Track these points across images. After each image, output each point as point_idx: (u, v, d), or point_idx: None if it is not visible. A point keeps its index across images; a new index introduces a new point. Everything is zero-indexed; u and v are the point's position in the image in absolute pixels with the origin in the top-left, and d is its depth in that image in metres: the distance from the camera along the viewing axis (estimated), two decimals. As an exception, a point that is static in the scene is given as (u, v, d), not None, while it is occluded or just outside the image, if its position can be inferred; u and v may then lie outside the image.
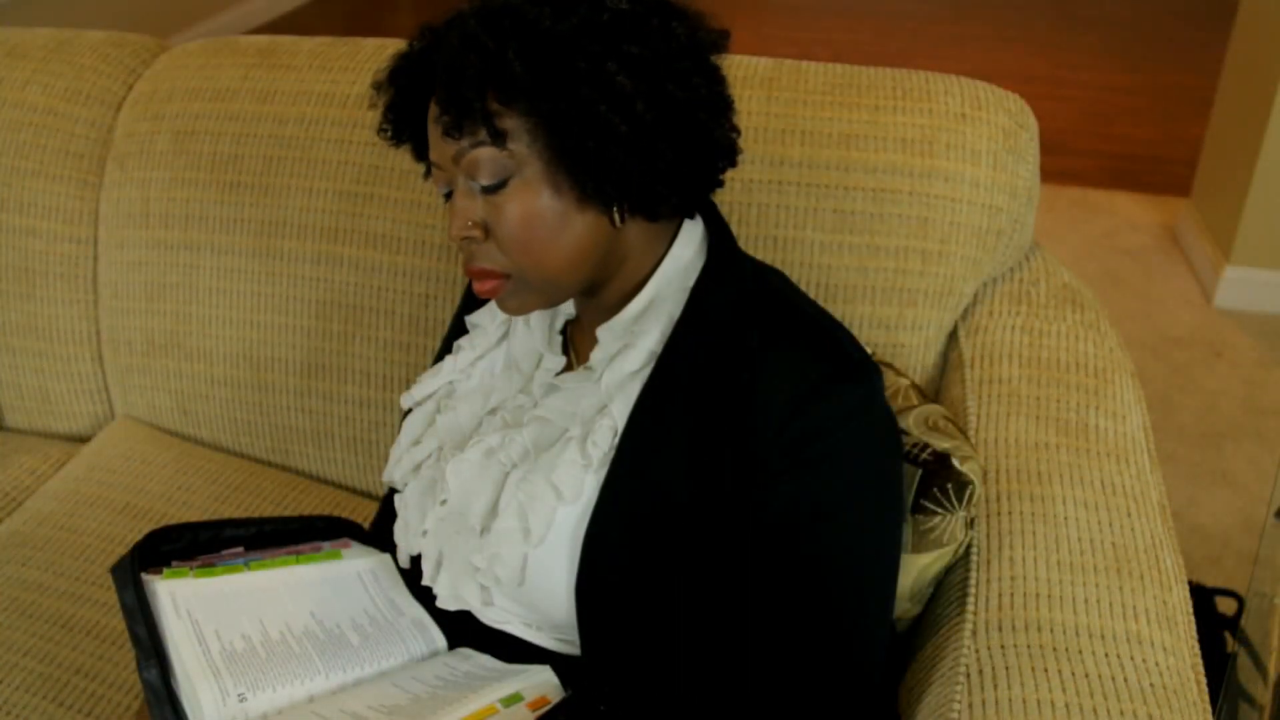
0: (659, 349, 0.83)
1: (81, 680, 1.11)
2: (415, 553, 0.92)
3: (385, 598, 0.95)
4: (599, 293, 0.87)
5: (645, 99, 0.76)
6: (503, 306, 0.84)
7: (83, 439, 1.54)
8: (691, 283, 0.85)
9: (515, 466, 0.85)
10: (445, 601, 0.88)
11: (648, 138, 0.76)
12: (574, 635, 0.85)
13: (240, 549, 0.96)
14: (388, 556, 0.98)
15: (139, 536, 1.27)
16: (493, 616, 0.90)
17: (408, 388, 1.02)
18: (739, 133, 0.86)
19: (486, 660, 0.90)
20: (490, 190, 0.79)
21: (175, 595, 0.87)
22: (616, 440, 0.82)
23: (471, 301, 1.01)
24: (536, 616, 0.88)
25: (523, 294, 0.83)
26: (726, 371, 0.80)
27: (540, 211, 0.78)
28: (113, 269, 1.44)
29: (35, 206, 1.45)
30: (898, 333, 1.17)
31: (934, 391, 1.19)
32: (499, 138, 0.76)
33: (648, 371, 0.83)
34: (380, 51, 1.38)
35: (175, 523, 0.96)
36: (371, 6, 5.27)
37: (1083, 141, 3.66)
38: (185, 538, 0.94)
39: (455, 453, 0.89)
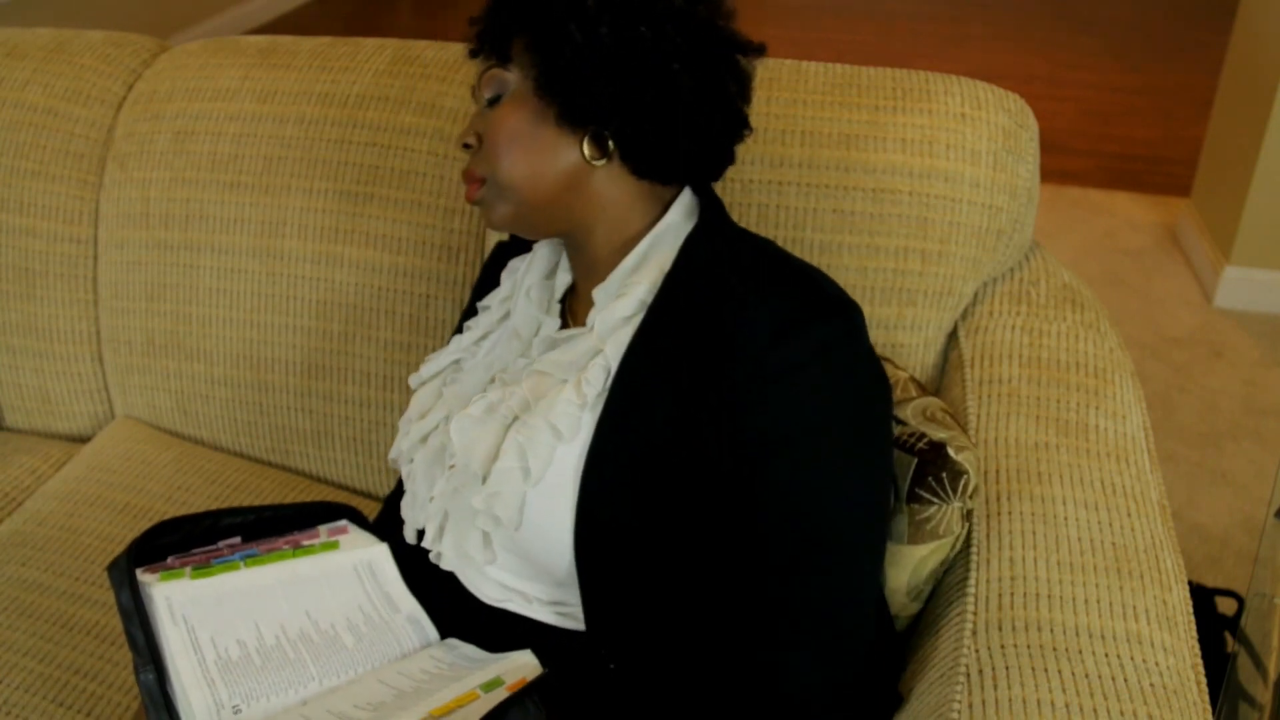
0: (650, 298, 0.87)
1: (81, 680, 1.11)
2: (421, 526, 0.93)
3: (381, 592, 0.94)
4: (587, 247, 0.91)
5: (610, 26, 0.83)
6: (486, 219, 0.91)
7: (83, 439, 1.54)
8: (682, 241, 0.89)
9: (517, 418, 0.87)
10: (449, 561, 0.89)
11: (606, 57, 0.83)
12: (572, 597, 0.86)
13: (238, 539, 0.96)
14: (385, 546, 0.98)
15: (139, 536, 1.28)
16: (492, 594, 0.91)
17: (408, 388, 1.02)
18: (748, 128, 0.91)
19: (471, 650, 0.90)
20: (491, 104, 0.89)
21: (171, 600, 0.86)
22: (610, 380, 0.85)
23: (484, 287, 1.06)
24: (536, 572, 0.88)
25: (496, 202, 0.89)
26: (712, 312, 0.83)
27: (518, 122, 0.87)
28: (113, 269, 1.44)
29: (35, 206, 1.45)
30: (897, 333, 1.17)
31: (934, 390, 1.19)
32: (505, 60, 0.88)
33: (639, 319, 0.86)
34: (380, 51, 1.38)
35: (171, 517, 0.96)
36: (371, 6, 5.27)
37: (1083, 141, 3.66)
38: (184, 529, 0.95)
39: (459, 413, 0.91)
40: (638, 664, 0.86)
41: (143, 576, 0.88)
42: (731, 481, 0.81)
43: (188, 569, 0.90)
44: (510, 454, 0.85)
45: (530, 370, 0.89)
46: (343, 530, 0.99)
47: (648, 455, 0.82)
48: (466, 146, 0.91)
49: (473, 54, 0.92)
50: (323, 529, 0.99)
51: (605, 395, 0.85)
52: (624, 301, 0.87)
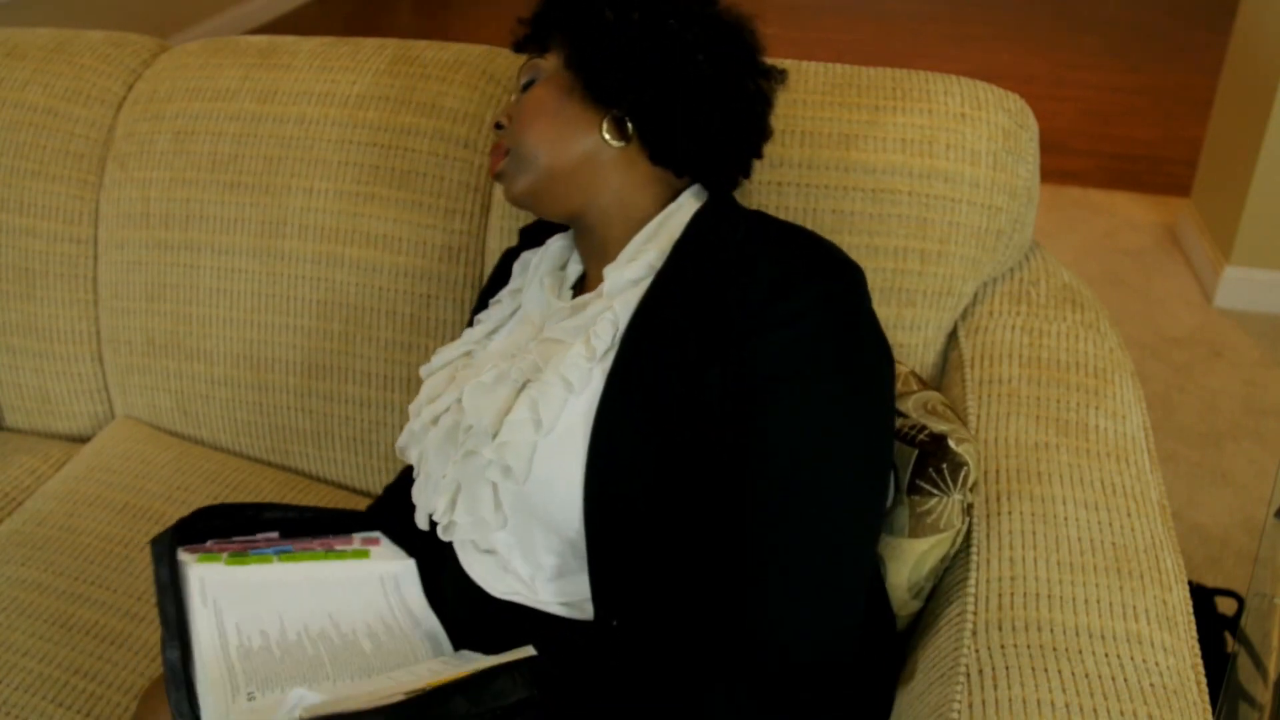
0: (659, 264, 0.89)
1: (80, 680, 1.11)
2: (434, 509, 0.93)
3: (403, 606, 0.96)
4: (598, 229, 0.94)
5: (642, 13, 0.90)
6: (506, 192, 0.96)
7: (83, 439, 1.54)
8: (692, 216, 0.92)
9: (528, 381, 0.89)
10: (464, 530, 0.90)
11: (634, 39, 0.90)
12: (577, 567, 0.87)
13: (275, 534, 0.98)
14: (412, 562, 1.00)
15: (139, 536, 1.28)
16: (499, 588, 0.91)
17: (408, 388, 1.02)
18: (761, 133, 0.97)
19: (478, 657, 0.91)
20: (525, 89, 0.97)
21: (205, 581, 0.89)
22: (619, 336, 0.87)
23: (495, 286, 1.08)
24: (544, 533, 0.88)
25: (517, 173, 0.94)
26: (718, 273, 0.86)
27: (547, 97, 0.94)
28: (113, 269, 1.44)
29: (35, 206, 1.45)
30: (896, 333, 1.17)
31: (934, 389, 1.19)
32: (544, 50, 0.97)
33: (648, 281, 0.89)
34: (380, 51, 1.38)
35: (216, 504, 1.00)
36: (371, 6, 5.27)
37: (1083, 141, 3.66)
38: (227, 516, 0.99)
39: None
40: (640, 621, 0.85)
41: (181, 555, 0.91)
42: (731, 427, 0.82)
43: (225, 554, 0.93)
44: (522, 407, 0.86)
45: (541, 339, 0.92)
46: (375, 541, 1.01)
47: (657, 408, 0.84)
48: (499, 127, 0.97)
49: (517, 48, 1.00)
50: (357, 536, 1.01)
51: (615, 349, 0.86)
52: (634, 265, 0.89)
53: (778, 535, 0.80)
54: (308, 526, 1.02)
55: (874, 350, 0.86)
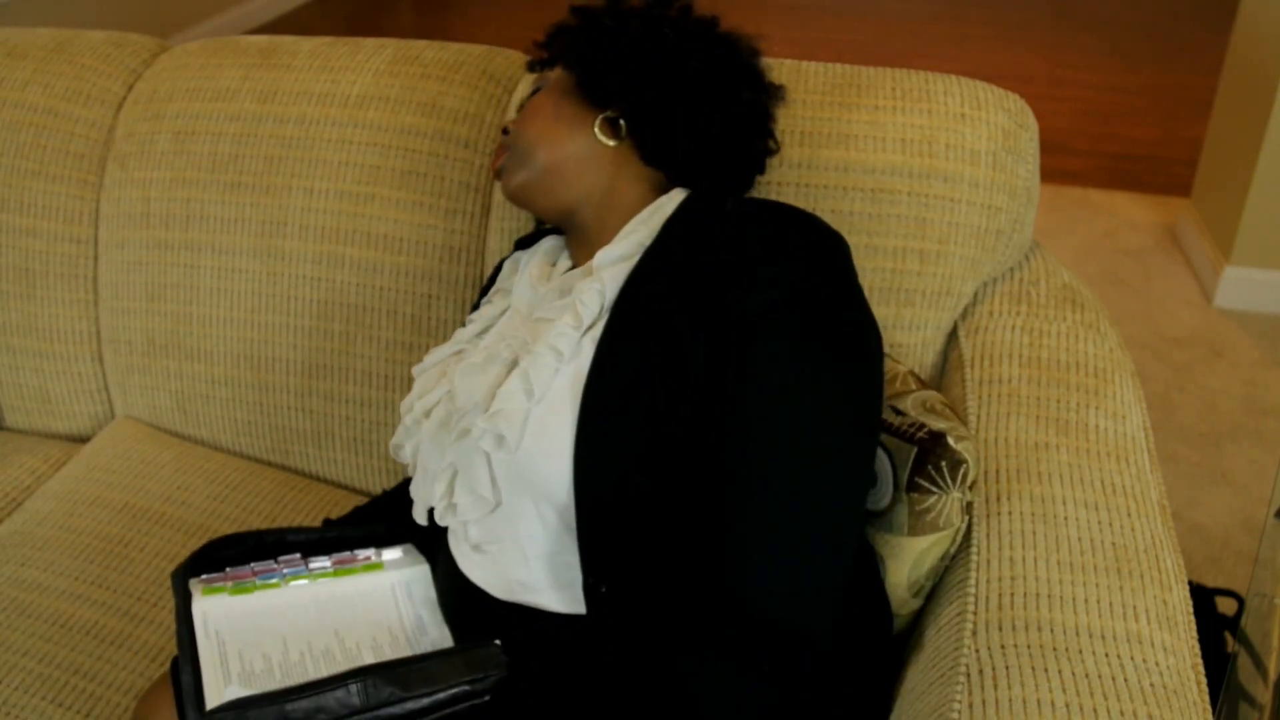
0: (648, 242, 0.91)
1: (79, 680, 1.11)
2: (432, 503, 0.94)
3: (414, 614, 0.96)
4: (590, 228, 0.96)
5: (641, 23, 0.96)
6: (504, 188, 0.99)
7: (83, 439, 1.54)
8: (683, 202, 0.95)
9: (517, 360, 0.90)
10: (464, 511, 0.90)
11: (631, 43, 0.95)
12: (569, 543, 0.87)
13: (297, 555, 1.00)
14: (426, 567, 1.00)
15: (139, 536, 1.28)
16: (497, 585, 0.91)
17: (409, 388, 1.02)
18: (763, 145, 1.00)
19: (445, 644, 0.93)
20: (533, 95, 1.02)
21: (206, 615, 0.92)
22: (607, 305, 0.88)
23: (490, 289, 1.09)
24: (534, 501, 0.88)
25: (515, 168, 0.97)
26: (706, 246, 0.88)
27: (547, 98, 0.99)
28: (113, 269, 1.45)
29: (35, 206, 1.45)
30: (895, 333, 1.17)
31: (934, 389, 1.19)
32: (552, 65, 1.03)
33: (637, 258, 0.90)
34: (380, 51, 1.38)
35: (237, 532, 1.02)
36: (371, 6, 5.27)
37: (1083, 141, 3.66)
38: (249, 542, 1.01)
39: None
40: (627, 587, 0.85)
41: (191, 585, 0.94)
42: (716, 392, 0.82)
43: (229, 584, 0.95)
44: (514, 379, 0.87)
45: (530, 319, 0.93)
46: (394, 552, 1.02)
47: (645, 375, 0.84)
48: (505, 132, 1.01)
49: (531, 68, 1.06)
50: (373, 554, 1.02)
51: (604, 319, 0.87)
52: (623, 244, 0.91)
53: (755, 489, 0.80)
54: (333, 545, 1.03)
55: (859, 313, 0.87)
